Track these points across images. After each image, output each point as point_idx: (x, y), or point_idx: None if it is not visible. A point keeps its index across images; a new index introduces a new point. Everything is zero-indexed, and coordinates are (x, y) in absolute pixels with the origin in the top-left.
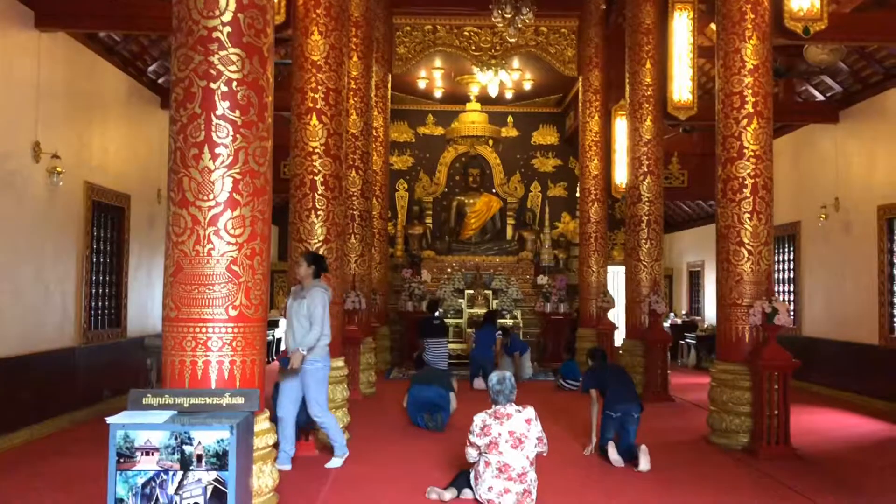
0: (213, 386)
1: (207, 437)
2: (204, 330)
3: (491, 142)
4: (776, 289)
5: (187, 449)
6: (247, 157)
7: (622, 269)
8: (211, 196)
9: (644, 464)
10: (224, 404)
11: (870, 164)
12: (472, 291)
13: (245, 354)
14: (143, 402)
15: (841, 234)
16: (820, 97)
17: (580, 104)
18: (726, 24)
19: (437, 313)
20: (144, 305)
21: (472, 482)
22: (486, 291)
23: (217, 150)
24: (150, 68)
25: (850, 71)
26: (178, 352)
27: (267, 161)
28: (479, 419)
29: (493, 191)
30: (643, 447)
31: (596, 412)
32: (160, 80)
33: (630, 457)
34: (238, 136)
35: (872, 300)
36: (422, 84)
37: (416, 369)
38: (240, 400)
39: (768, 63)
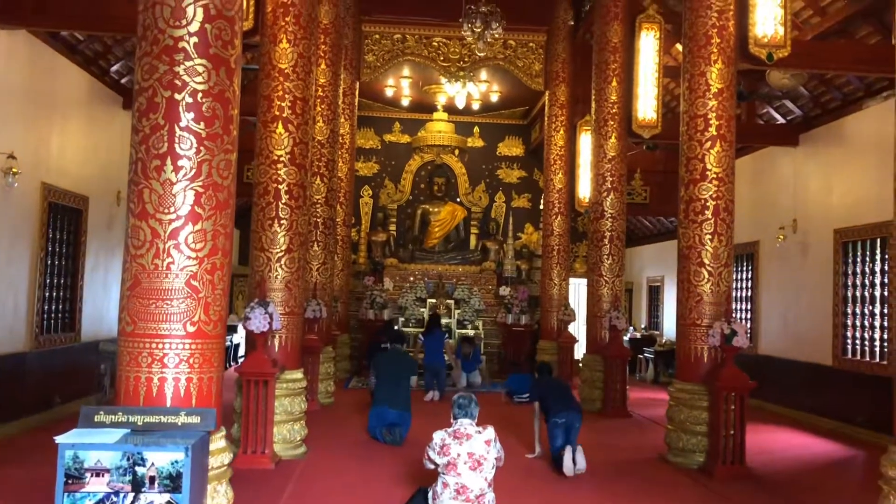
0: (169, 404)
1: (161, 459)
2: (161, 346)
3: (457, 151)
4: (734, 306)
5: (139, 470)
6: (210, 170)
7: (584, 281)
8: (172, 209)
9: (581, 462)
10: (179, 423)
11: (827, 188)
12: (434, 301)
13: (203, 372)
14: (95, 420)
15: (798, 255)
16: (781, 120)
17: (546, 118)
18: (692, 47)
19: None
20: (100, 309)
21: (430, 502)
22: (449, 301)
23: (180, 163)
24: (114, 68)
25: (811, 96)
26: (133, 368)
27: (231, 174)
28: (438, 437)
29: (458, 200)
30: (580, 447)
31: (538, 421)
32: (123, 80)
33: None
34: (202, 148)
35: (827, 321)
36: (389, 92)
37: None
38: (195, 419)
39: (732, 87)
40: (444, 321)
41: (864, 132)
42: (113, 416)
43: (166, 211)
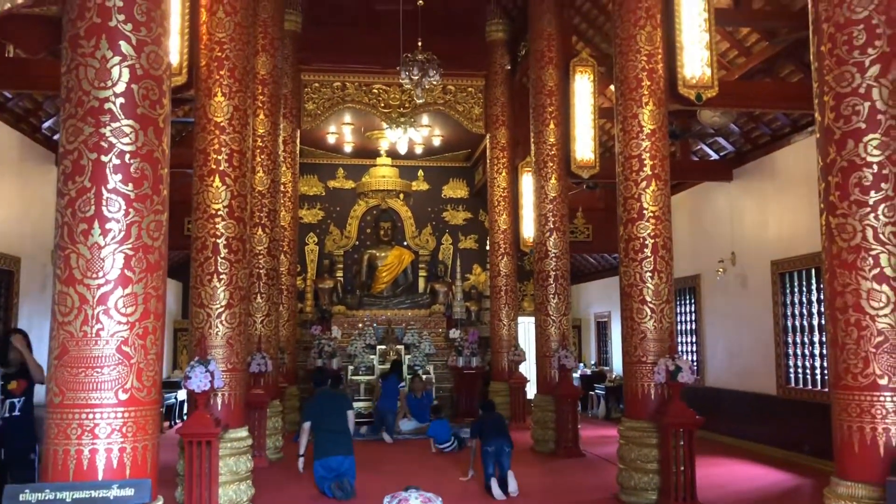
0: (101, 477)
1: None
2: (91, 416)
3: (402, 195)
4: (680, 340)
5: None
6: (140, 232)
7: (533, 319)
8: (101, 273)
9: (512, 485)
10: (112, 497)
11: (762, 221)
12: (384, 347)
13: (136, 440)
14: (21, 500)
15: (738, 287)
16: (714, 156)
17: (488, 160)
18: (624, 90)
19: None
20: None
21: None
22: (399, 346)
23: (108, 226)
24: (45, 124)
25: (742, 132)
26: (61, 440)
27: (162, 234)
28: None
29: (405, 244)
30: (510, 472)
31: (474, 450)
32: (55, 137)
33: (505, 485)
34: (131, 210)
35: (769, 351)
36: (332, 139)
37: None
38: (129, 492)
39: (665, 127)
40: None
41: (794, 166)
42: (40, 495)
43: (94, 276)
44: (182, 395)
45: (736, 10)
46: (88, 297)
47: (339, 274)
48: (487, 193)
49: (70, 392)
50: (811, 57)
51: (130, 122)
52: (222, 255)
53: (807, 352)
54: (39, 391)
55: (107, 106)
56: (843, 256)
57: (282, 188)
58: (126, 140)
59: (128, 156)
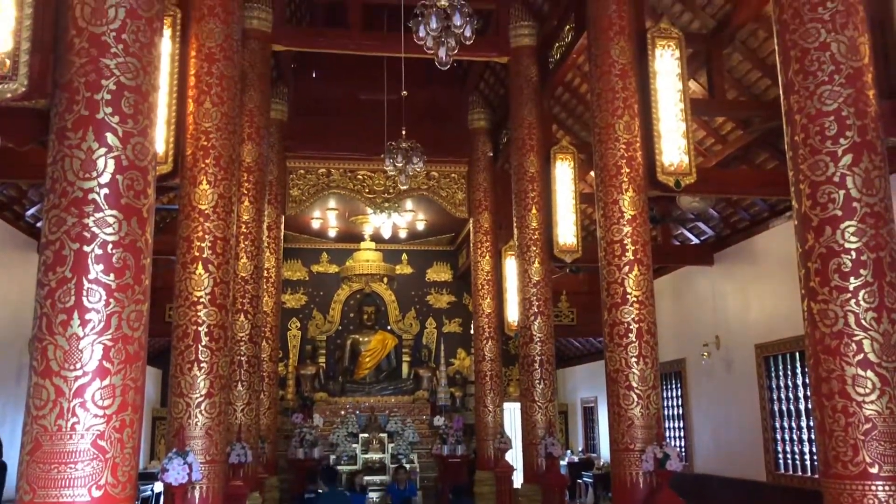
0: None
1: None
2: None
3: (385, 279)
4: (667, 425)
5: None
6: (120, 322)
7: (518, 405)
8: (78, 365)
9: None
10: None
11: (744, 305)
12: (366, 435)
13: None
14: None
15: (724, 372)
16: (695, 240)
17: (472, 244)
18: (604, 177)
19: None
20: (10, 472)
21: None
22: (382, 435)
23: (87, 316)
24: (29, 212)
25: (721, 217)
26: None
27: (142, 325)
28: None
29: (389, 328)
30: None
31: None
32: (39, 224)
33: None
34: (112, 300)
35: (757, 437)
36: (316, 224)
37: None
38: None
39: (645, 213)
40: (377, 457)
41: (774, 250)
42: None
43: (72, 367)
44: (159, 487)
45: (711, 100)
46: (65, 389)
47: (322, 360)
48: (471, 277)
49: (41, 490)
50: (786, 146)
51: (114, 212)
52: (203, 344)
53: (795, 437)
54: (10, 490)
55: (91, 196)
56: (826, 342)
57: (265, 274)
58: (109, 230)
59: (110, 246)
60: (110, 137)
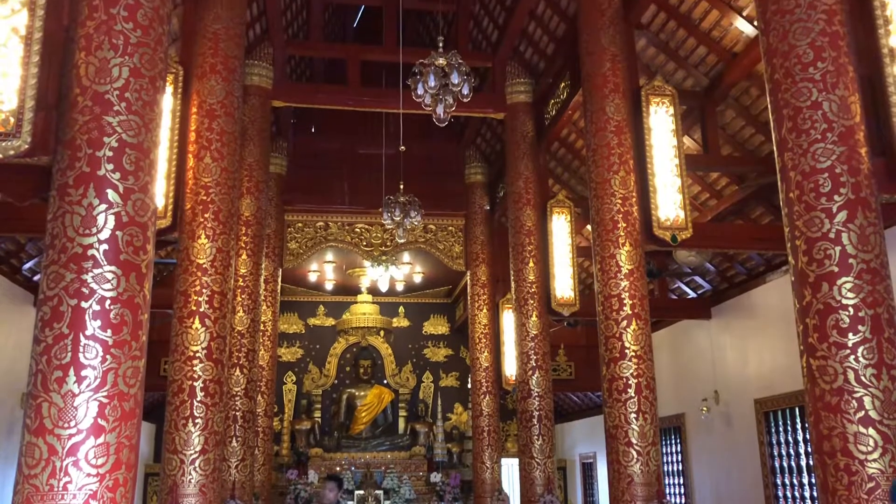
0: None
1: None
2: None
3: (382, 332)
4: (666, 481)
5: None
6: (116, 379)
7: (516, 461)
8: (72, 423)
9: None
10: None
11: (743, 359)
12: (362, 492)
13: None
14: None
15: (723, 427)
16: (692, 294)
17: (469, 297)
18: (601, 231)
19: None
20: None
21: None
22: (378, 492)
23: (83, 373)
24: (27, 266)
25: (717, 271)
26: None
27: (139, 381)
28: None
29: (385, 382)
30: None
31: None
32: (36, 278)
33: None
34: (108, 356)
35: (759, 493)
36: (313, 277)
37: None
38: None
39: (642, 267)
40: None
41: (771, 304)
42: None
43: (66, 425)
44: None
45: (705, 156)
46: (58, 447)
47: (317, 414)
48: (469, 330)
49: None
50: (781, 202)
51: (113, 268)
52: (198, 399)
53: (797, 494)
54: None
55: (90, 252)
56: (826, 399)
57: (261, 327)
58: (108, 286)
59: (108, 302)
60: (111, 194)
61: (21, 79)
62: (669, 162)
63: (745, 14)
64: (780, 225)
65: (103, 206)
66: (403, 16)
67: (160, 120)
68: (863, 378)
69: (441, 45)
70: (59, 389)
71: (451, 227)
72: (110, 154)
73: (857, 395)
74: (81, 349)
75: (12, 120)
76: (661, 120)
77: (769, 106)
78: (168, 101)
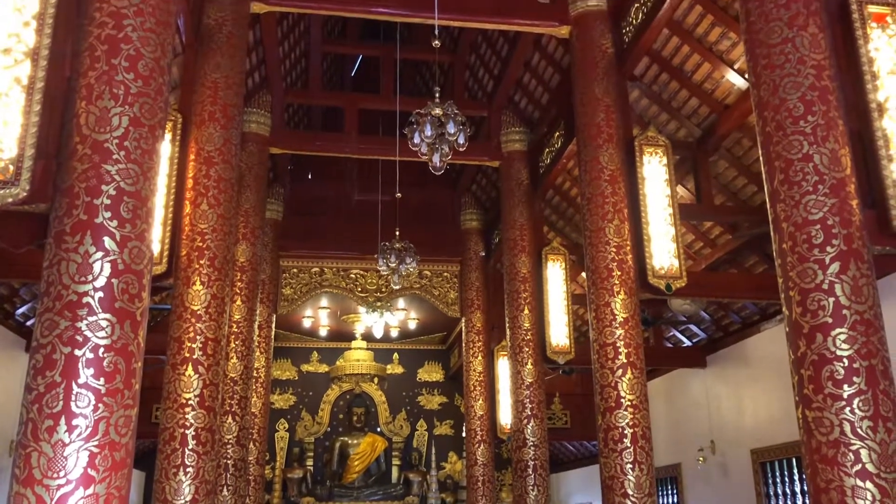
0: None
1: None
2: None
3: (376, 379)
4: None
5: None
6: (108, 428)
7: None
8: (62, 473)
9: None
10: None
11: (739, 408)
12: None
13: None
14: None
15: (720, 477)
16: (687, 343)
17: (464, 344)
18: (596, 279)
19: None
20: None
21: None
22: None
23: (75, 422)
24: (20, 311)
25: (712, 320)
26: None
27: (130, 431)
28: None
29: (378, 430)
30: None
31: None
32: (29, 323)
33: None
34: (100, 405)
35: None
36: (307, 323)
37: None
38: None
39: (637, 315)
40: None
41: (766, 353)
42: None
43: (55, 475)
44: None
45: (699, 205)
46: (46, 498)
47: (310, 462)
48: (463, 377)
49: None
50: (774, 253)
51: (108, 315)
52: (190, 447)
53: None
54: None
55: (85, 300)
56: (823, 451)
57: (254, 374)
58: (102, 334)
59: (102, 349)
60: (108, 241)
61: (22, 127)
62: (663, 211)
63: (736, 67)
64: (774, 274)
65: (99, 254)
66: (401, 65)
67: (158, 168)
68: (859, 430)
69: (437, 94)
70: (50, 439)
71: (446, 273)
72: (108, 202)
73: (854, 447)
74: (73, 398)
75: (12, 168)
76: (654, 169)
77: (761, 158)
78: (166, 148)
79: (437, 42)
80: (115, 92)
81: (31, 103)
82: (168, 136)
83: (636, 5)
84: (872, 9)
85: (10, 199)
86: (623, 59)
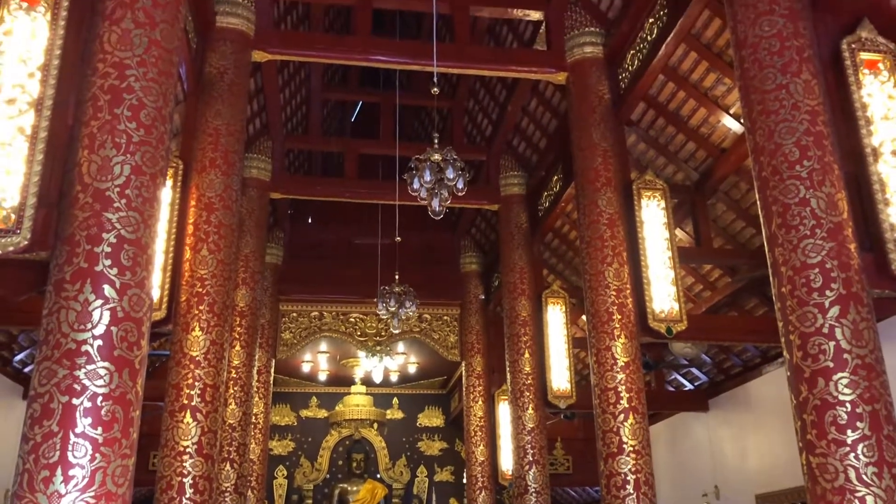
0: None
1: None
2: None
3: (376, 425)
4: None
5: None
6: (104, 479)
7: None
8: None
9: None
10: None
11: (742, 452)
12: None
13: None
14: None
15: None
16: (689, 386)
17: (464, 388)
18: (596, 323)
19: None
20: None
21: None
22: None
23: (71, 472)
24: (18, 357)
25: (714, 363)
26: None
27: (127, 481)
28: None
29: (378, 476)
30: None
31: None
32: (27, 370)
33: None
34: (98, 455)
35: None
36: (306, 367)
37: None
38: None
39: (638, 359)
40: None
41: (768, 396)
42: None
43: None
44: None
45: (698, 248)
46: None
47: None
48: (464, 422)
49: None
50: (773, 297)
51: (106, 364)
52: (188, 496)
53: None
54: None
55: (84, 348)
56: (828, 498)
57: (253, 419)
58: (100, 382)
59: (100, 398)
60: (107, 289)
61: (24, 176)
62: (662, 254)
63: (731, 112)
64: (774, 317)
65: (99, 302)
66: (400, 111)
67: (159, 215)
68: (864, 477)
69: (436, 140)
70: (46, 490)
71: (445, 317)
72: (108, 249)
73: (860, 494)
74: (70, 447)
75: (13, 216)
76: (653, 213)
77: (758, 202)
78: (167, 194)
79: (435, 89)
80: (117, 141)
81: (34, 152)
82: (169, 182)
83: (632, 52)
84: (864, 56)
85: (11, 248)
86: (620, 105)
